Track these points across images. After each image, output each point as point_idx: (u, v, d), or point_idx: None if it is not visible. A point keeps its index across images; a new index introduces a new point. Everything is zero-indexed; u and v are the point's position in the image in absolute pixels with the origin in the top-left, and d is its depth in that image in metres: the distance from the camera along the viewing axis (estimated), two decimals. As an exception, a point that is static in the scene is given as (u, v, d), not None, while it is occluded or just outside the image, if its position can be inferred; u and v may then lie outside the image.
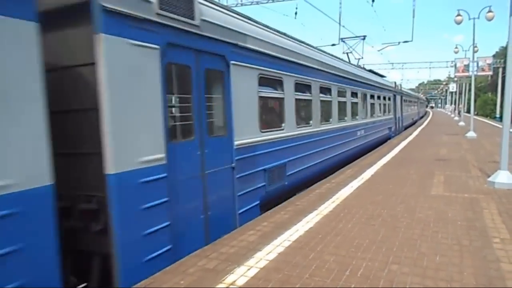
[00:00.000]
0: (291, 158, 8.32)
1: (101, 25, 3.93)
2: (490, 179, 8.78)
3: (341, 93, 12.64)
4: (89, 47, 3.96)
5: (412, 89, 63.35)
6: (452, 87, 51.61)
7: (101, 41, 3.93)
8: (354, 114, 14.28)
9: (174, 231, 4.82)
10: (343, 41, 23.89)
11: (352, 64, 17.56)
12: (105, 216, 4.08)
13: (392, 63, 58.64)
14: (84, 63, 4.24)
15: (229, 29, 6.18)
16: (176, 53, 5.00)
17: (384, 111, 21.20)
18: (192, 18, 5.23)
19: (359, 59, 23.04)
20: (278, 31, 8.39)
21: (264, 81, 7.30)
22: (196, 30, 5.34)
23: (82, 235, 4.37)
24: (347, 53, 23.05)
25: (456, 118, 44.91)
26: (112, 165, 3.96)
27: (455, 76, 32.01)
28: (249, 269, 4.43)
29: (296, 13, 26.48)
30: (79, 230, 4.35)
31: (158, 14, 4.62)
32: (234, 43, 6.20)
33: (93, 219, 4.29)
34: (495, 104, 55.64)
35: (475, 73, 23.05)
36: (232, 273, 4.34)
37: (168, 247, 4.73)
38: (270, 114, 8.10)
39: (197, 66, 5.38)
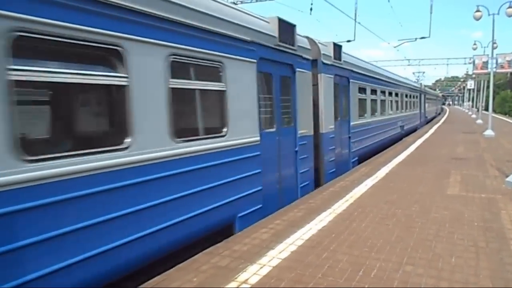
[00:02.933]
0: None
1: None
2: (508, 179, 8.60)
3: None
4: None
5: (428, 86, 61.10)
6: (470, 84, 50.30)
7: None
8: None
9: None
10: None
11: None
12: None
13: (409, 60, 57.58)
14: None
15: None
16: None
17: None
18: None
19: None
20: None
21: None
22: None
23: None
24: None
25: (474, 116, 44.09)
26: None
27: (473, 73, 31.40)
28: (261, 268, 4.44)
29: (311, 9, 26.36)
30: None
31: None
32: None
33: None
34: (514, 102, 54.43)
35: (494, 70, 22.54)
36: (245, 271, 4.35)
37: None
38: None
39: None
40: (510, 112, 52.96)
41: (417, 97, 28.79)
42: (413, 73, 53.43)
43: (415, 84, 30.25)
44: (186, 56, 4.96)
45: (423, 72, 57.00)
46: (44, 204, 3.28)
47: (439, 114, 60.64)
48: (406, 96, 23.40)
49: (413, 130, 25.78)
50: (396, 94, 20.02)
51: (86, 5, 3.65)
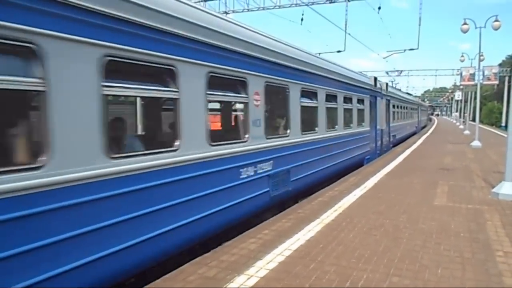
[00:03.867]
0: None
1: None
2: (494, 190, 8.71)
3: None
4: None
5: (417, 97, 61.25)
6: (458, 95, 51.03)
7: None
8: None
9: None
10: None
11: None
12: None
13: (398, 71, 58.32)
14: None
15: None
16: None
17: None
18: None
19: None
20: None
21: None
22: None
23: None
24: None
25: (461, 126, 44.68)
26: None
27: (461, 85, 31.88)
28: (249, 278, 4.41)
29: (302, 20, 26.60)
30: None
31: None
32: None
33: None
34: (501, 113, 55.38)
35: (480, 82, 22.95)
36: (232, 282, 4.32)
37: None
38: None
39: None
40: (497, 123, 53.85)
41: (363, 102, 14.71)
42: (387, 72, 43.76)
43: (359, 78, 14.71)
44: None
45: (400, 72, 45.38)
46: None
47: (424, 127, 49.26)
48: (312, 97, 9.73)
49: (354, 166, 13.36)
50: (279, 91, 8.15)
51: None
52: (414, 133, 34.54)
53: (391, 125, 21.17)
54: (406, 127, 30.12)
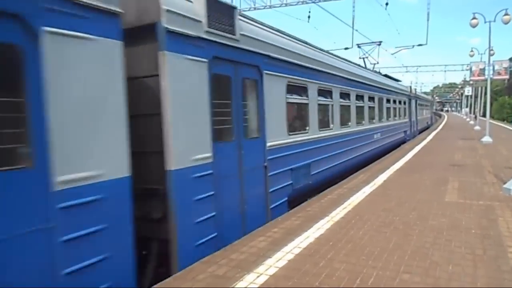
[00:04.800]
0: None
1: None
2: (505, 186, 8.61)
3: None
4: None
5: (426, 93, 60.48)
6: (468, 90, 50.33)
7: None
8: None
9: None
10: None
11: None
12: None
13: (406, 67, 57.78)
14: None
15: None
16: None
17: None
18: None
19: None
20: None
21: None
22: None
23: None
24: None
25: (472, 122, 44.17)
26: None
27: (471, 80, 31.42)
28: (258, 276, 4.42)
29: (309, 17, 26.48)
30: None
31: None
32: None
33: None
34: (512, 108, 54.68)
35: (491, 76, 22.63)
36: (242, 280, 4.34)
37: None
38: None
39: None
40: (508, 118, 53.16)
41: None
42: (358, 45, 26.00)
43: None
44: None
45: (380, 42, 25.65)
46: None
47: (427, 128, 37.70)
48: None
49: None
50: None
51: None
52: (402, 142, 22.61)
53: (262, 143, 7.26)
54: (369, 139, 15.34)
